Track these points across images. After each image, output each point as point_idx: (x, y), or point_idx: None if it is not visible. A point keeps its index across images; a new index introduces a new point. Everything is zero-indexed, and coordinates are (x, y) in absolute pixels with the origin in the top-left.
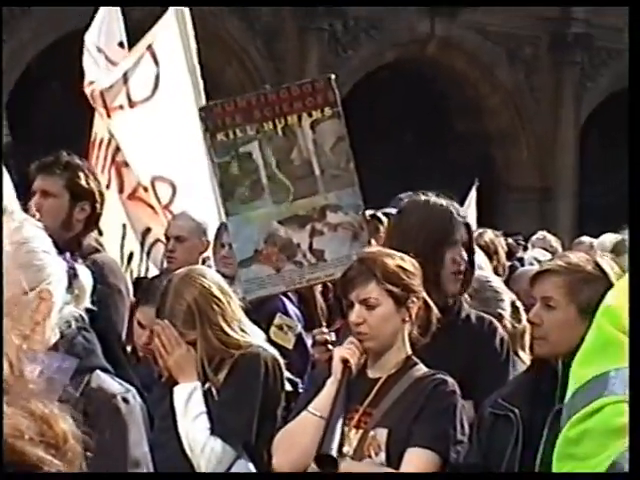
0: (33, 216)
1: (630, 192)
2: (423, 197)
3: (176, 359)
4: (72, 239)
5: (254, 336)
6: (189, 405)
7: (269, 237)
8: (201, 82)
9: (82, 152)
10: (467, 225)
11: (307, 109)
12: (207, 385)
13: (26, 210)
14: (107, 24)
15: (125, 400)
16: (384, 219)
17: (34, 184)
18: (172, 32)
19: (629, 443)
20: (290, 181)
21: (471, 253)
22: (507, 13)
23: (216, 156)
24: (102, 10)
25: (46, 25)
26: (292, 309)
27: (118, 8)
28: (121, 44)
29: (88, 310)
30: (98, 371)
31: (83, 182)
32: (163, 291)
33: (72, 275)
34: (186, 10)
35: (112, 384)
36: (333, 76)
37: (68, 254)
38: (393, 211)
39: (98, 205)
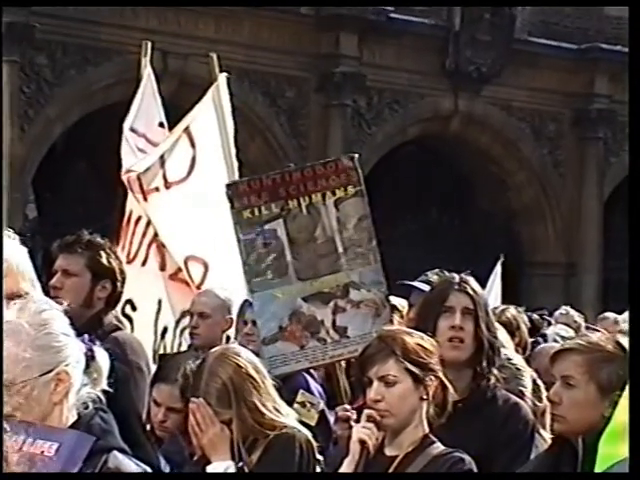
0: (55, 296)
1: (630, 196)
2: (446, 274)
3: (210, 438)
4: (93, 317)
5: (288, 417)
6: None
7: (293, 314)
8: (236, 163)
9: (107, 229)
10: (471, 295)
11: (331, 188)
12: (240, 465)
13: (47, 289)
14: (146, 107)
15: None
16: (400, 307)
17: (56, 263)
18: (209, 115)
19: (629, 443)
20: (314, 258)
21: (483, 324)
22: (531, 90)
23: (242, 233)
24: (139, 94)
25: (72, 102)
26: (315, 386)
27: (156, 90)
28: (161, 124)
29: (105, 391)
30: (115, 452)
31: (104, 261)
32: (197, 369)
33: (90, 357)
34: (224, 92)
35: (129, 465)
36: (357, 155)
37: (86, 336)
38: (421, 286)
39: (119, 283)
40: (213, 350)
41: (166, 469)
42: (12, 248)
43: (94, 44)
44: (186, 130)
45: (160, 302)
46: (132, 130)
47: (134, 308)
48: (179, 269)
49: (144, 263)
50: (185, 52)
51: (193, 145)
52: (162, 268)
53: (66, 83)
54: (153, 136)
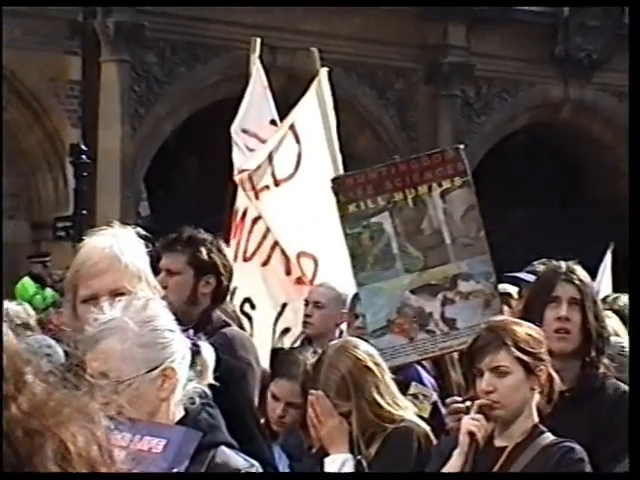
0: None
1: (630, 193)
2: (553, 264)
3: (329, 430)
4: (201, 314)
5: (406, 410)
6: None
7: (401, 307)
8: (339, 157)
9: (219, 224)
10: (577, 285)
11: (437, 179)
12: (358, 457)
13: None
14: (256, 105)
15: None
16: (514, 293)
17: (160, 262)
18: (312, 110)
19: (629, 443)
20: (421, 251)
21: (590, 314)
22: None
23: (348, 227)
24: (248, 92)
25: (182, 100)
26: (427, 378)
27: (267, 86)
28: (273, 122)
29: (211, 386)
30: (222, 447)
31: (205, 256)
32: (317, 362)
33: (195, 352)
34: (326, 86)
35: (236, 459)
36: (462, 146)
37: (191, 331)
38: (527, 277)
39: (224, 277)
40: (333, 343)
41: (284, 462)
42: (124, 244)
43: (202, 41)
44: (291, 127)
45: (284, 306)
46: (243, 131)
47: (253, 306)
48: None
49: (265, 264)
50: (293, 47)
51: (298, 141)
52: (288, 272)
53: (175, 81)
54: (265, 134)
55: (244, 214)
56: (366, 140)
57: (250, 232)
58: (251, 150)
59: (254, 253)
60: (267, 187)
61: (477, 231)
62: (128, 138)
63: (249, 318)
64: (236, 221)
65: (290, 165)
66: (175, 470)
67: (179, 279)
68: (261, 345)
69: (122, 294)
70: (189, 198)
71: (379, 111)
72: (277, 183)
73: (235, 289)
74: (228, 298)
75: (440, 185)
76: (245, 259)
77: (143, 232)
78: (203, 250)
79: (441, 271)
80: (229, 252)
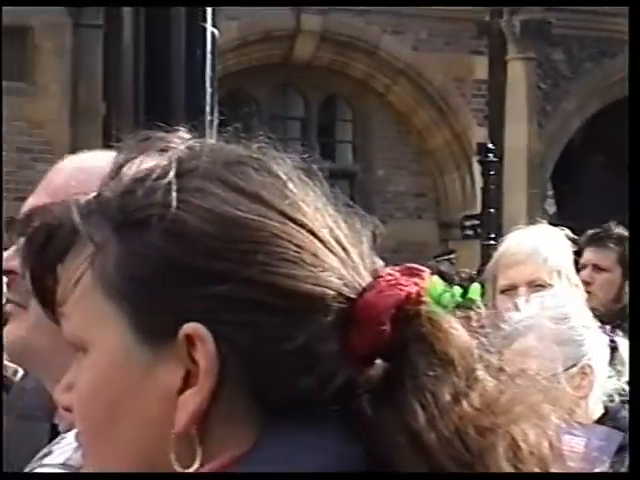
0: (586, 291)
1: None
2: None
3: None
4: (620, 310)
5: None
6: None
7: None
8: None
9: (624, 223)
10: None
11: None
12: None
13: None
14: None
15: None
16: None
17: (583, 257)
18: None
19: (629, 443)
20: None
21: None
22: None
23: None
24: None
25: (589, 96)
26: None
27: None
28: None
29: None
30: None
31: None
32: None
33: (613, 348)
34: None
35: None
36: None
37: (608, 327)
38: None
39: None
40: None
41: None
42: (545, 238)
43: (610, 36)
44: None
45: None
46: None
47: None
48: None
49: None
50: None
51: None
52: None
53: (582, 77)
54: None
55: None
56: None
57: None
58: None
59: None
60: None
61: None
62: (535, 135)
63: None
64: None
65: None
66: (596, 470)
67: (608, 276)
68: None
69: (540, 286)
70: (595, 195)
71: None
72: None
73: None
74: None
75: None
76: None
77: (570, 233)
78: None
79: None
80: None
